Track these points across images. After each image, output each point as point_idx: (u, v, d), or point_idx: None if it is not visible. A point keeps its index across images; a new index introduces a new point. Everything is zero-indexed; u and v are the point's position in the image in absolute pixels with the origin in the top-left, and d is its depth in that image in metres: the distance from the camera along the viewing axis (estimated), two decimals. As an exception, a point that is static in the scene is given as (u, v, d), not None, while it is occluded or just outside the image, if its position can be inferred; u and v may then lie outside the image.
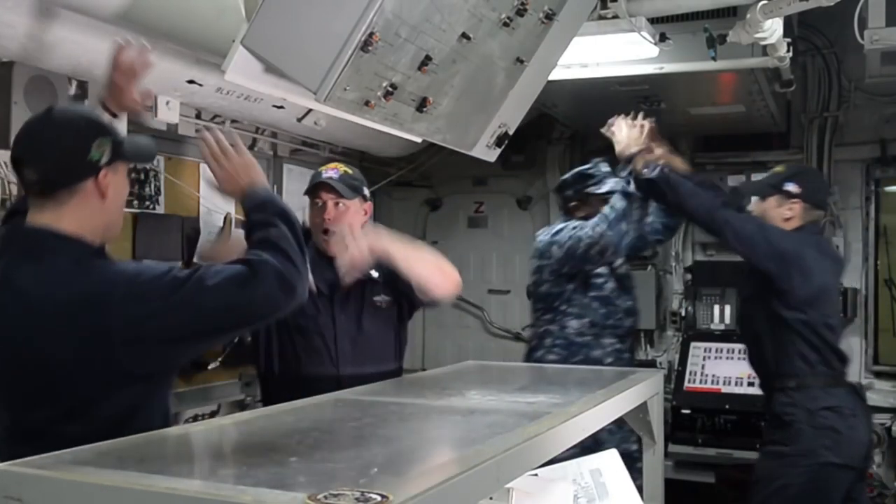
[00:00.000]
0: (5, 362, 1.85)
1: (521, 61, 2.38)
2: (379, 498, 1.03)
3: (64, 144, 1.85)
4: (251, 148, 4.77)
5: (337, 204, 2.95)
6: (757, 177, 5.16)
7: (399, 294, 2.97)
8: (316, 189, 2.96)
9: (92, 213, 1.87)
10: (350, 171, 3.04)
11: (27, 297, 1.80)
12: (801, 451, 3.15)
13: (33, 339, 1.80)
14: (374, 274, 2.98)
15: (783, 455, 3.19)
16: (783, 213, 3.40)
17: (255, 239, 1.90)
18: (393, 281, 2.91)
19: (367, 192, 3.07)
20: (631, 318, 3.79)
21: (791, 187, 3.41)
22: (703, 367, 4.91)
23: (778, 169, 3.57)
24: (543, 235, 3.79)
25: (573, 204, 3.79)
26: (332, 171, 3.00)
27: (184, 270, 1.85)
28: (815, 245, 3.36)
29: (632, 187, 3.44)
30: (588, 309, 3.64)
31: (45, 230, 1.84)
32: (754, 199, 3.56)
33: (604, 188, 3.67)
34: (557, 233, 3.69)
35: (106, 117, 2.09)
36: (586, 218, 3.65)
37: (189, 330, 1.80)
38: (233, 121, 4.37)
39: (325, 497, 1.03)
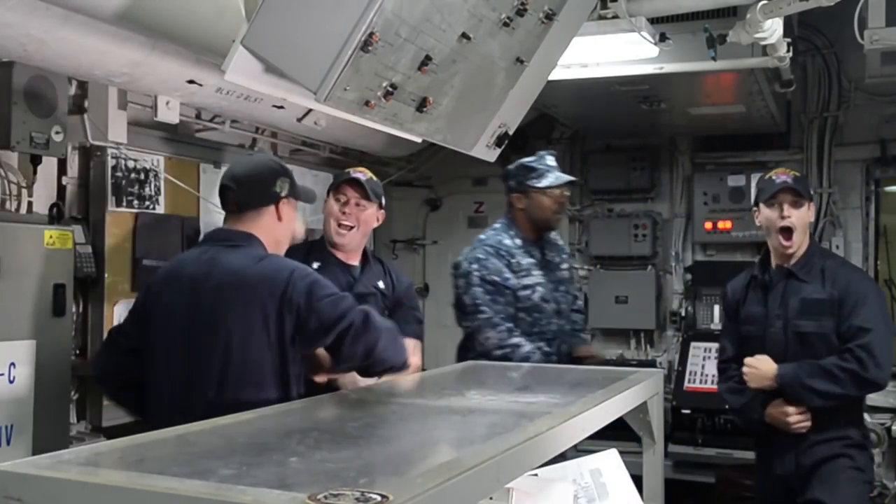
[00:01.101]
0: (206, 324, 2.37)
1: (521, 61, 2.38)
2: (379, 498, 1.03)
3: (258, 178, 2.55)
4: (251, 147, 4.78)
5: (358, 204, 3.13)
6: (758, 176, 5.16)
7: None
8: (343, 184, 3.15)
9: (270, 230, 2.53)
10: (375, 179, 3.24)
11: (232, 271, 2.39)
12: None
13: (233, 305, 2.36)
14: (381, 285, 3.11)
15: None
16: (811, 216, 3.21)
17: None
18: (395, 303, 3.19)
19: (384, 201, 3.23)
20: (561, 320, 3.67)
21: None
22: (703, 367, 4.91)
23: (791, 172, 3.19)
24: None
25: (514, 195, 3.69)
26: (360, 174, 3.18)
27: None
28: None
29: None
30: (515, 319, 3.52)
31: (242, 231, 2.50)
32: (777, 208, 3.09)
33: (543, 182, 3.60)
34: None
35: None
36: (525, 210, 3.62)
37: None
38: (233, 121, 4.38)
39: (325, 497, 1.03)
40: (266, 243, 2.51)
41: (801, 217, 3.08)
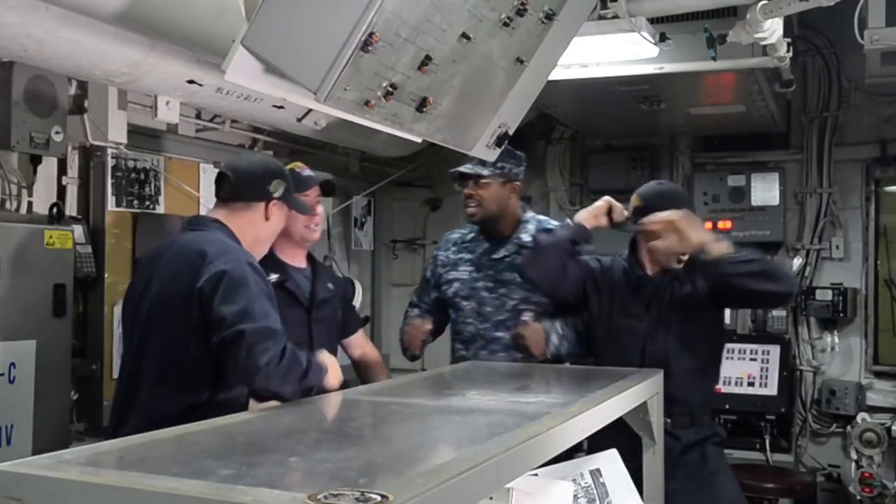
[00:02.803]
0: (163, 298, 2.38)
1: (521, 61, 2.37)
2: (379, 498, 1.03)
3: (255, 173, 2.60)
4: (251, 148, 4.78)
5: (319, 202, 3.06)
6: (758, 176, 5.16)
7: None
8: (309, 184, 3.01)
9: (253, 226, 2.57)
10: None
11: (175, 251, 2.44)
12: None
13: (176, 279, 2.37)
14: (331, 286, 3.11)
15: None
16: None
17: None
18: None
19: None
20: (483, 323, 3.29)
21: None
22: (703, 366, 4.91)
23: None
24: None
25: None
26: (310, 171, 3.05)
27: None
28: None
29: None
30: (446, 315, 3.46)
31: (212, 217, 2.57)
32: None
33: None
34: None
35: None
36: None
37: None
38: (233, 121, 4.38)
39: (325, 497, 1.03)
40: (244, 238, 2.52)
41: None
